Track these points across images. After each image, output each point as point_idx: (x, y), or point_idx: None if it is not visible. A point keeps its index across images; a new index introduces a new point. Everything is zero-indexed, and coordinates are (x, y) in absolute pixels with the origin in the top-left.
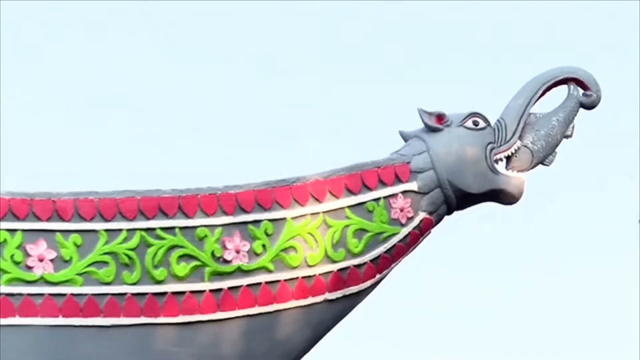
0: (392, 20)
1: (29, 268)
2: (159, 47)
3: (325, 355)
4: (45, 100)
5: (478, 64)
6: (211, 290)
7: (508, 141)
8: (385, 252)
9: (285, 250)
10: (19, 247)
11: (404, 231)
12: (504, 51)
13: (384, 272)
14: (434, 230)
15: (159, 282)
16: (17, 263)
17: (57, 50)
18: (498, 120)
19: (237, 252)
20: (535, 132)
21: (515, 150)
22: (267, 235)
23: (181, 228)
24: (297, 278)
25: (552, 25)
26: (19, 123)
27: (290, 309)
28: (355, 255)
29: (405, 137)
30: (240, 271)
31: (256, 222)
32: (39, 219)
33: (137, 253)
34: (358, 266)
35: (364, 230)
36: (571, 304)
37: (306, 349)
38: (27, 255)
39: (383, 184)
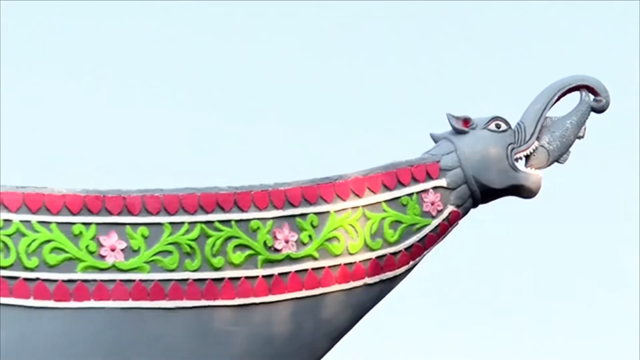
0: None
1: (102, 257)
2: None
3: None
4: (111, 97)
5: (500, 71)
6: (263, 276)
7: (527, 142)
8: (418, 241)
9: (329, 240)
10: (93, 238)
11: (435, 222)
12: (524, 60)
13: (417, 259)
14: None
15: (217, 269)
16: (91, 252)
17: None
18: (518, 124)
19: (287, 242)
20: (551, 133)
21: (534, 150)
22: (313, 226)
23: (237, 221)
24: (339, 265)
25: (570, 33)
26: (84, 122)
27: (333, 292)
28: (391, 244)
29: (435, 139)
30: (289, 259)
31: (303, 215)
32: (110, 213)
33: (198, 243)
34: (394, 254)
35: (399, 222)
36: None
37: (348, 328)
38: (100, 245)
39: (416, 180)
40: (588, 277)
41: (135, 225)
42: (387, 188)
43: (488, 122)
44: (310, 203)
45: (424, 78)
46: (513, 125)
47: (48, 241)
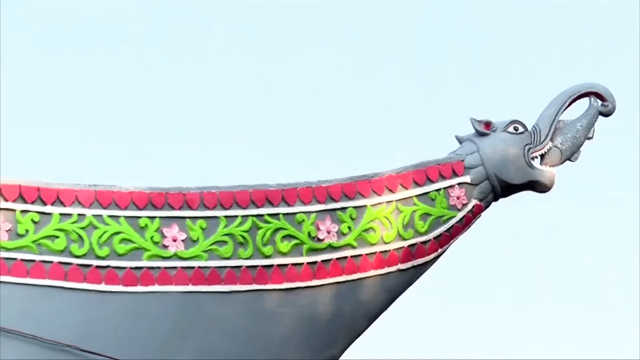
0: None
1: (165, 247)
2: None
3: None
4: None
5: (517, 78)
6: (308, 263)
7: (542, 142)
8: (446, 231)
9: (366, 230)
10: (157, 230)
11: (460, 215)
12: (539, 67)
13: (444, 247)
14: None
15: (267, 257)
16: (155, 243)
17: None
18: (534, 126)
19: (328, 232)
20: (563, 135)
21: (548, 150)
22: (352, 219)
23: (284, 214)
24: (375, 252)
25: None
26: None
27: (370, 277)
28: (421, 234)
29: (460, 140)
30: (331, 247)
31: (343, 209)
32: (172, 208)
33: (250, 234)
34: (424, 242)
35: (428, 214)
36: None
37: (383, 309)
38: (164, 236)
39: (443, 177)
40: None
41: (194, 218)
42: (418, 184)
43: (507, 125)
44: (349, 198)
45: (449, 87)
46: (529, 128)
47: (117, 233)
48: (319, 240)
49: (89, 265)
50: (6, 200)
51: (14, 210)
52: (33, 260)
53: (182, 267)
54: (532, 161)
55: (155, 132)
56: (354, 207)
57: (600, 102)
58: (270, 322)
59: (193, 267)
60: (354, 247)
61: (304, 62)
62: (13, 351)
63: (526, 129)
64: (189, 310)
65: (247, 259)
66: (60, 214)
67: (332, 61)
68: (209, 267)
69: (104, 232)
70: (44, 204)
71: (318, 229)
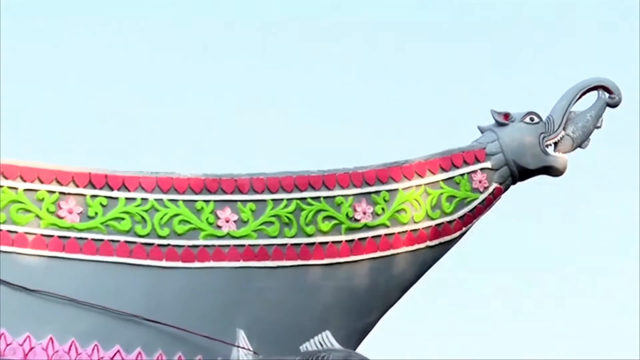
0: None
1: (219, 227)
2: None
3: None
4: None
5: (533, 74)
6: (346, 241)
7: (555, 131)
8: (469, 211)
9: (398, 211)
10: (211, 212)
11: (482, 197)
12: (553, 63)
13: (468, 225)
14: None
15: (309, 235)
16: (210, 223)
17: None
18: (548, 117)
19: (364, 213)
20: (574, 124)
21: (561, 138)
22: (385, 201)
23: (324, 197)
24: (406, 231)
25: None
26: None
27: (402, 253)
28: (447, 214)
29: (481, 130)
30: (367, 227)
31: (377, 192)
32: (225, 192)
33: (294, 215)
34: (450, 222)
35: (454, 197)
36: None
37: (413, 282)
38: (217, 218)
39: (466, 163)
40: None
41: (244, 201)
42: (444, 170)
43: (524, 116)
44: (383, 182)
45: (472, 81)
46: (544, 118)
47: (176, 215)
48: (356, 220)
49: (151, 244)
50: (77, 186)
51: (84, 195)
52: (102, 240)
53: (234, 245)
54: (546, 148)
55: (208, 122)
56: (387, 191)
57: (607, 95)
58: (313, 294)
59: (244, 245)
60: (387, 227)
61: (335, 62)
62: (85, 321)
63: (541, 120)
64: (241, 283)
65: (292, 237)
66: (126, 198)
67: (366, 62)
68: (258, 245)
69: (165, 214)
70: (111, 189)
71: (355, 210)
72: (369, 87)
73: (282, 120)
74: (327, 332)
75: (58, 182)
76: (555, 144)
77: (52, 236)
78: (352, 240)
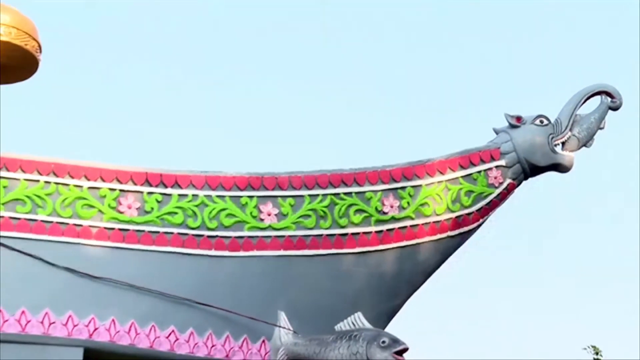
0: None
1: (261, 220)
2: None
3: None
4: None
5: (544, 79)
6: (376, 231)
7: (563, 132)
8: (486, 205)
9: (421, 205)
10: (255, 206)
11: (497, 191)
12: (561, 69)
13: (485, 217)
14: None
15: (342, 227)
16: (254, 217)
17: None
18: (556, 119)
19: (391, 207)
20: (580, 126)
21: (568, 138)
22: (410, 196)
23: (356, 192)
24: (430, 222)
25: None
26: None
27: (425, 242)
28: (466, 207)
29: (496, 132)
30: (394, 219)
31: (403, 188)
32: (267, 189)
33: (329, 209)
34: (468, 214)
35: (472, 191)
36: None
37: (436, 268)
38: (260, 211)
39: (483, 161)
40: None
41: (284, 197)
42: (463, 167)
43: (534, 119)
44: (408, 179)
45: (487, 88)
46: (552, 121)
47: (224, 209)
48: (384, 213)
49: (201, 235)
50: (135, 184)
51: (141, 192)
52: (157, 232)
53: (276, 236)
54: (555, 147)
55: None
56: (412, 186)
57: (609, 99)
58: (346, 279)
59: (284, 236)
60: (412, 219)
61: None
62: (143, 305)
63: (550, 122)
64: (281, 270)
65: (327, 228)
66: (179, 195)
67: (390, 66)
68: (297, 236)
69: (213, 209)
70: (165, 186)
71: (383, 204)
72: (390, 91)
73: (315, 121)
74: (359, 313)
75: (118, 180)
76: (563, 143)
77: (113, 229)
78: (380, 231)
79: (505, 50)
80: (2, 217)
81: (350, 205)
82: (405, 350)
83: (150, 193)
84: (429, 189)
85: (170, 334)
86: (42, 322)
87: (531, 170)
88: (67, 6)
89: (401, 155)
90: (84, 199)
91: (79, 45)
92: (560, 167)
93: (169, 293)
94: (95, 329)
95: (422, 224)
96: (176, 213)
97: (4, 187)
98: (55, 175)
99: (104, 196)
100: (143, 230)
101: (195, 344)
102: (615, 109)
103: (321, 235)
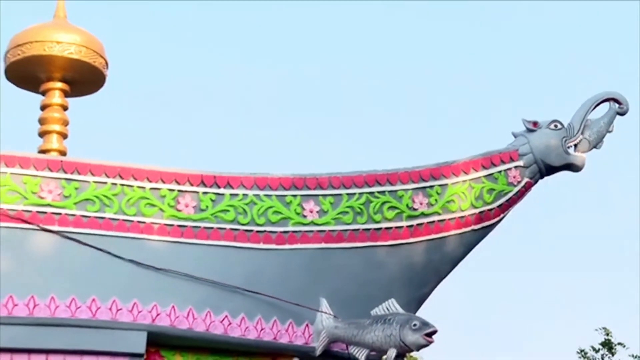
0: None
1: (304, 216)
2: None
3: None
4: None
5: (560, 86)
6: (407, 226)
7: (575, 135)
8: (506, 201)
9: (448, 202)
10: (298, 204)
11: (516, 189)
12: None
13: (505, 212)
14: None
15: (377, 222)
16: (297, 213)
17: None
18: (569, 124)
19: (421, 203)
20: (590, 129)
21: (579, 141)
22: (438, 194)
23: (389, 191)
24: (455, 217)
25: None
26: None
27: (451, 235)
28: (488, 204)
29: (515, 135)
30: (423, 214)
31: (431, 187)
32: (309, 188)
33: (365, 206)
34: (490, 210)
35: (493, 189)
36: None
37: (461, 258)
38: (303, 209)
39: (503, 162)
40: None
41: (325, 195)
42: (485, 167)
43: (549, 123)
44: (436, 178)
45: (508, 96)
46: (566, 125)
47: (270, 207)
48: (414, 209)
49: (251, 231)
50: (192, 185)
51: (197, 192)
52: (212, 228)
53: (317, 231)
54: (568, 149)
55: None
56: (439, 185)
57: (617, 105)
58: (380, 269)
59: (325, 231)
60: (439, 214)
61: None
62: (200, 293)
63: (563, 126)
64: (322, 261)
65: (363, 223)
66: (230, 194)
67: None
68: (336, 230)
69: (261, 207)
70: (219, 187)
71: (413, 201)
72: (420, 99)
73: (350, 128)
74: (392, 300)
75: (177, 182)
76: (575, 145)
77: (172, 225)
78: (411, 226)
79: (523, 62)
80: (74, 215)
81: (384, 203)
82: (435, 332)
83: (205, 193)
84: (455, 187)
85: (224, 319)
86: (110, 309)
87: (546, 169)
88: (127, 22)
89: (429, 157)
90: (147, 198)
91: (137, 59)
92: (573, 167)
93: (223, 282)
94: (158, 315)
95: (449, 219)
96: (228, 211)
97: (76, 188)
98: (121, 177)
99: (164, 196)
100: (199, 227)
101: (246, 327)
102: (622, 114)
103: (358, 229)
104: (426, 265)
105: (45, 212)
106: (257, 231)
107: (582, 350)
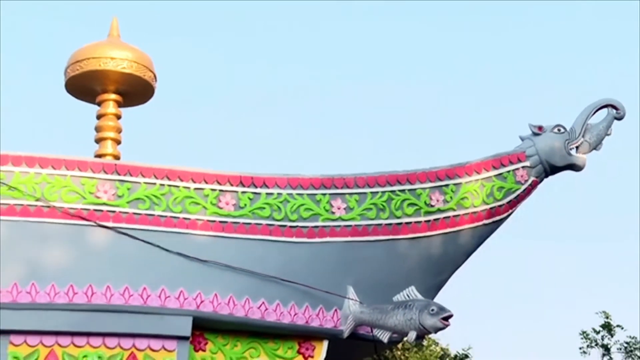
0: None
1: (333, 212)
2: None
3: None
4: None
5: (565, 93)
6: (425, 221)
7: (576, 138)
8: (514, 198)
9: (462, 199)
10: (327, 202)
11: (523, 187)
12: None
13: (513, 208)
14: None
15: (398, 217)
16: (326, 210)
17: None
18: (571, 128)
19: (437, 201)
20: (590, 133)
21: (580, 143)
22: (452, 192)
23: (408, 190)
24: (469, 213)
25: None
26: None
27: (465, 229)
28: (498, 200)
29: (522, 138)
30: (439, 210)
31: (446, 185)
32: (337, 187)
33: (387, 203)
34: (500, 206)
35: (502, 187)
36: None
37: (474, 249)
38: (331, 206)
39: (511, 163)
40: None
41: (351, 194)
42: (495, 168)
43: (553, 127)
44: (451, 178)
45: (517, 101)
46: (568, 129)
47: (302, 204)
48: (432, 206)
49: (285, 226)
50: (232, 185)
51: (237, 191)
52: (250, 223)
53: (344, 225)
54: (570, 151)
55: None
56: (454, 184)
57: (615, 111)
58: (401, 259)
59: (351, 225)
60: (454, 210)
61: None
62: (239, 282)
63: (566, 130)
64: (349, 253)
65: (385, 219)
66: (266, 193)
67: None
68: (361, 225)
69: (294, 204)
70: (256, 187)
71: (431, 198)
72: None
73: (374, 134)
74: (412, 287)
75: (218, 182)
76: (577, 147)
77: (214, 221)
78: (429, 221)
79: (530, 69)
80: (127, 213)
81: (404, 200)
82: (451, 316)
83: (243, 192)
84: (468, 186)
85: (261, 305)
86: (159, 297)
87: (551, 169)
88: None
89: (445, 158)
90: (191, 197)
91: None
92: (575, 167)
93: (260, 272)
94: (202, 302)
95: (462, 214)
96: (264, 208)
97: (128, 189)
98: (168, 179)
99: (207, 195)
100: (238, 222)
101: (281, 313)
102: (619, 118)
103: (380, 224)
104: (442, 256)
105: (101, 210)
106: (290, 226)
107: (584, 332)
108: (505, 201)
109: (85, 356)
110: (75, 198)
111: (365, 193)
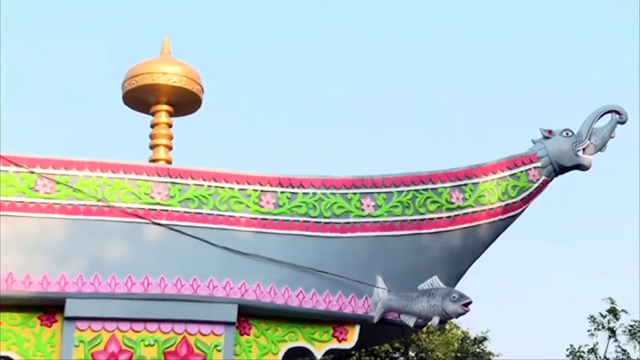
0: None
1: (363, 210)
2: None
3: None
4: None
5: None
6: (446, 217)
7: (583, 141)
8: (527, 195)
9: (479, 197)
10: (358, 200)
11: (535, 185)
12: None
13: (526, 204)
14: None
15: (421, 214)
16: (357, 207)
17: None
18: (578, 131)
19: (457, 198)
20: (596, 136)
21: (587, 145)
22: (471, 190)
23: (431, 189)
24: (486, 209)
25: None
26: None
27: (483, 224)
28: (512, 198)
29: (533, 142)
30: (459, 207)
31: (465, 185)
32: (366, 187)
33: (411, 201)
34: (514, 202)
35: (516, 186)
36: None
37: (491, 242)
38: (362, 204)
39: (524, 163)
40: None
41: (379, 193)
42: (509, 168)
43: (562, 131)
44: (469, 178)
45: (529, 108)
46: (575, 132)
47: (335, 203)
48: (452, 203)
49: (319, 222)
50: (271, 186)
51: (276, 191)
52: (288, 220)
53: (373, 221)
54: (577, 152)
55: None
56: (472, 183)
57: (618, 116)
58: (425, 252)
59: (379, 221)
60: (472, 207)
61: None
62: (279, 273)
63: (573, 133)
64: (378, 246)
65: (410, 215)
66: (303, 193)
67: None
68: (389, 221)
69: (328, 202)
70: (293, 187)
71: (451, 196)
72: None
73: (398, 137)
74: (435, 277)
75: (259, 183)
76: (583, 149)
77: (257, 218)
78: (450, 217)
79: (540, 78)
80: (178, 211)
81: (427, 198)
82: (470, 302)
83: (282, 192)
84: (485, 185)
85: (299, 294)
86: (208, 286)
87: (560, 169)
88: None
89: (464, 159)
90: (236, 197)
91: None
92: (581, 167)
93: (297, 264)
94: (246, 291)
95: (480, 211)
96: (301, 206)
97: (179, 190)
98: (215, 180)
99: (250, 195)
100: (278, 219)
101: (317, 300)
102: (622, 123)
103: (406, 220)
104: (462, 248)
105: (155, 209)
106: (325, 222)
107: (591, 316)
108: (519, 198)
109: (142, 340)
110: (132, 198)
111: (392, 192)
